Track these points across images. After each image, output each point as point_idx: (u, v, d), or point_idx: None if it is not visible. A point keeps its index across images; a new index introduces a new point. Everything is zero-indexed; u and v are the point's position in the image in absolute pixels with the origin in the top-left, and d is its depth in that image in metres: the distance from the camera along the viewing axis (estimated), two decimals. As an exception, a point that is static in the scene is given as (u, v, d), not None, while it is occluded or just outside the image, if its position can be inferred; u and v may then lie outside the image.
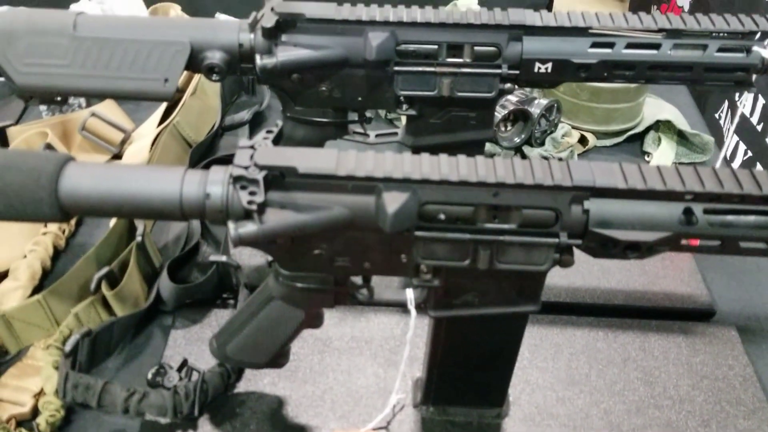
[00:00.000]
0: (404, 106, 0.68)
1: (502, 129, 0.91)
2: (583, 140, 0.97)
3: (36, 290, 0.73)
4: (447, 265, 0.49)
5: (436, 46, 0.64)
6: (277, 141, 0.51)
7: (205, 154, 0.91)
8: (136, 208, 0.49)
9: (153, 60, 0.65)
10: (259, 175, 0.46)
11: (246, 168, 0.47)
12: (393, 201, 0.46)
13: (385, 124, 0.99)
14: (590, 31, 0.63)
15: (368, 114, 0.72)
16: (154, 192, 0.48)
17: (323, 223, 0.47)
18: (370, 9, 0.64)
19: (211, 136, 0.93)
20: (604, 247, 0.48)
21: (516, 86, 0.67)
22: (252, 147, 0.48)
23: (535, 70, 0.65)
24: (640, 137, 0.99)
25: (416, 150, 0.72)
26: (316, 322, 0.58)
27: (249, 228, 0.46)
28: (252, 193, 0.46)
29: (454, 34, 0.64)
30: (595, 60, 0.63)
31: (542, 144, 0.93)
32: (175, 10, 1.13)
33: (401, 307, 0.55)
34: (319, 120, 0.70)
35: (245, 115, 0.97)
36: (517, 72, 0.65)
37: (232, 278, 0.73)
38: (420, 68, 0.65)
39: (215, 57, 0.65)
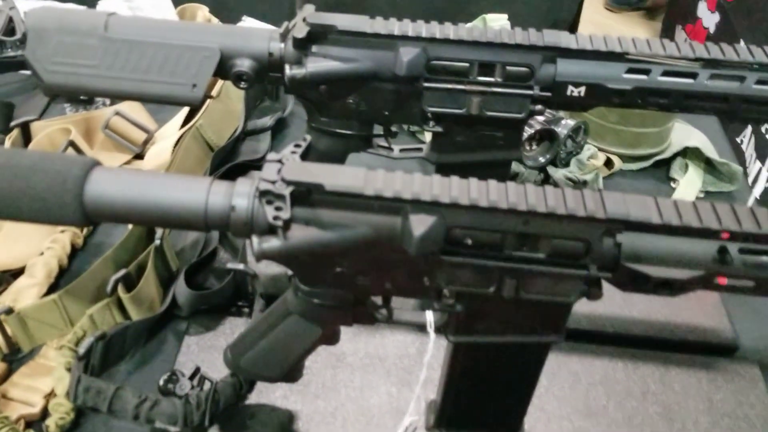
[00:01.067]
0: (431, 123, 0.67)
1: (527, 148, 0.90)
2: (608, 163, 0.95)
3: (52, 288, 0.73)
4: (471, 291, 0.48)
5: (467, 64, 0.63)
6: (305, 156, 0.50)
7: (226, 158, 0.91)
8: (161, 217, 0.48)
9: (182, 64, 0.64)
10: (286, 191, 0.45)
11: (273, 183, 0.46)
12: (420, 224, 0.45)
13: (407, 137, 0.98)
14: (626, 56, 0.62)
15: (394, 128, 0.71)
16: (179, 201, 0.48)
17: (347, 242, 0.47)
18: (402, 23, 0.64)
19: (233, 140, 0.92)
20: (635, 283, 0.47)
21: (546, 108, 0.66)
22: (280, 161, 0.48)
23: (568, 93, 0.63)
24: (666, 163, 0.97)
25: (441, 167, 0.71)
26: (332, 338, 0.57)
27: (273, 243, 0.46)
28: (278, 209, 0.45)
29: (486, 53, 0.63)
30: (630, 86, 0.62)
31: (567, 165, 0.92)
32: (203, 11, 1.13)
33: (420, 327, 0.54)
34: (344, 132, 0.70)
35: (268, 120, 0.97)
36: (549, 94, 0.64)
37: (248, 286, 0.72)
38: (450, 85, 0.64)
39: (244, 65, 0.64)
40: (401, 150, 0.74)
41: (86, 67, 0.64)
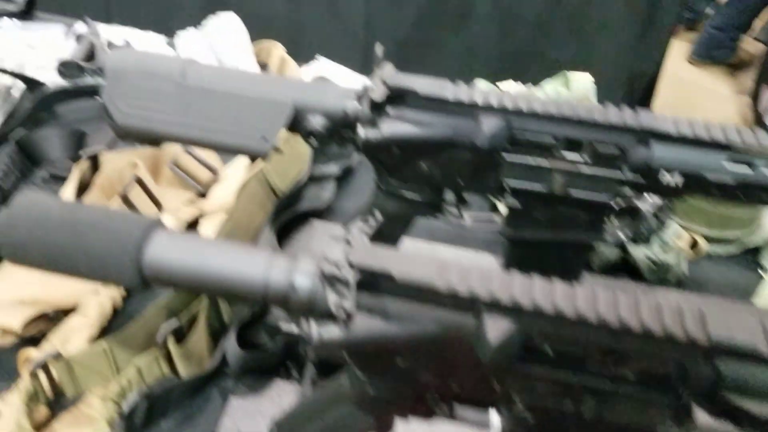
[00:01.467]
0: (508, 196, 0.63)
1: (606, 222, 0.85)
2: (694, 245, 0.89)
3: (103, 330, 0.71)
4: (546, 406, 0.43)
5: (552, 140, 0.59)
6: (375, 236, 0.47)
7: (288, 204, 0.88)
8: (218, 288, 0.46)
9: (254, 117, 0.62)
10: (352, 278, 0.42)
11: (338, 266, 0.43)
12: (496, 330, 0.40)
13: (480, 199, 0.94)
14: (730, 147, 0.57)
15: (466, 196, 0.68)
16: (239, 273, 0.45)
17: (413, 337, 0.43)
18: (485, 93, 0.60)
19: (298, 187, 0.90)
20: (734, 418, 0.41)
21: (637, 193, 0.61)
22: (347, 241, 0.44)
23: (662, 180, 0.58)
24: (758, 249, 0.90)
25: (515, 243, 0.66)
26: (385, 429, 0.53)
27: (333, 333, 0.43)
28: (341, 296, 0.42)
29: (574, 130, 0.59)
30: (733, 180, 0.57)
31: (648, 242, 0.86)
32: (278, 48, 1.13)
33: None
34: (414, 196, 0.66)
35: (334, 168, 0.94)
36: (641, 179, 0.59)
37: (300, 349, 0.69)
38: (532, 161, 0.60)
39: (317, 122, 0.62)
40: (474, 220, 0.70)
41: (160, 113, 0.63)
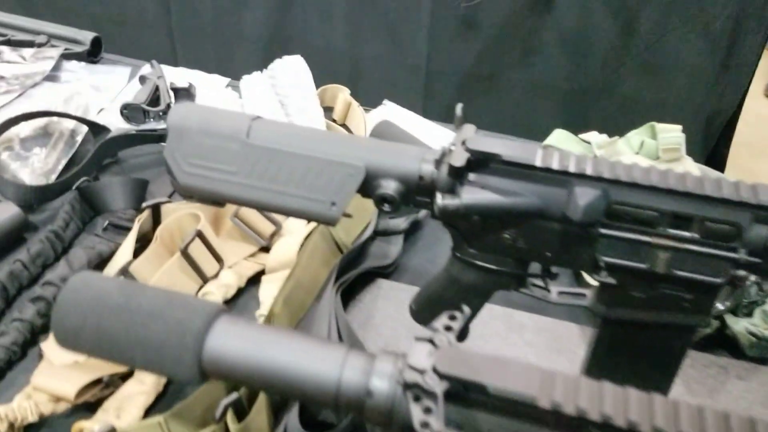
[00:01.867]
0: (603, 273, 0.56)
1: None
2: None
3: (159, 396, 0.68)
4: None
5: (656, 213, 0.52)
6: (462, 335, 0.41)
7: (353, 261, 0.84)
8: (285, 388, 0.41)
9: (323, 180, 0.58)
10: (439, 389, 0.36)
11: (422, 373, 0.37)
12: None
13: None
14: None
15: (554, 269, 0.61)
16: (309, 373, 0.40)
17: None
18: (579, 159, 0.54)
19: (363, 241, 0.85)
20: None
21: (754, 275, 0.53)
22: (432, 342, 0.39)
23: (784, 263, 0.51)
24: None
25: (607, 321, 0.60)
26: None
27: None
28: (427, 411, 0.36)
29: (682, 204, 0.52)
30: None
31: (750, 315, 0.77)
32: (344, 93, 1.10)
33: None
34: (495, 267, 0.60)
35: (401, 222, 0.89)
36: (759, 260, 0.52)
37: (368, 429, 0.63)
38: (632, 236, 0.53)
39: (390, 186, 0.57)
40: (560, 293, 0.63)
41: (224, 173, 0.59)
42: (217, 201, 0.62)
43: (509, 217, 0.56)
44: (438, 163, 0.56)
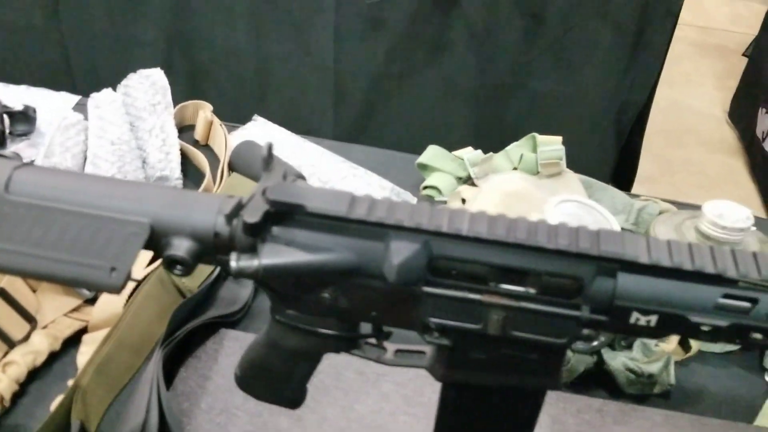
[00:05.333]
0: (435, 334, 0.48)
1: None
2: (684, 343, 0.74)
3: None
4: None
5: (485, 268, 0.44)
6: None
7: (196, 308, 0.73)
8: None
9: (100, 241, 0.48)
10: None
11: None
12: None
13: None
14: (723, 279, 0.42)
15: (386, 329, 0.53)
16: None
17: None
18: (398, 207, 0.45)
19: (208, 285, 0.75)
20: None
21: (602, 332, 0.46)
22: None
23: (632, 321, 0.44)
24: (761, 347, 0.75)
25: (447, 385, 0.52)
26: None
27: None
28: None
29: (513, 256, 0.44)
30: (726, 323, 0.42)
31: (629, 347, 0.71)
32: (205, 110, 0.99)
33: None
34: (318, 330, 0.52)
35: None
36: (605, 318, 0.44)
37: None
38: (461, 293, 0.45)
39: (181, 247, 0.47)
40: (397, 352, 0.55)
41: (-24, 237, 0.49)
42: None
43: (321, 276, 0.47)
44: (230, 218, 0.46)
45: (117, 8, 1.64)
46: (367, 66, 1.69)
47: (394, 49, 1.66)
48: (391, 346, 0.55)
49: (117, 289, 0.48)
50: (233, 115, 1.07)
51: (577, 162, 1.67)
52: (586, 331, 0.45)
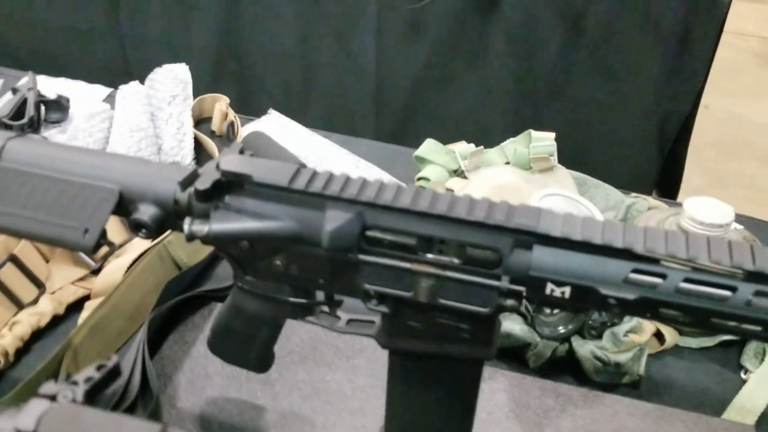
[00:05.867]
0: (374, 301, 0.51)
1: (547, 311, 0.71)
2: (660, 336, 0.75)
3: None
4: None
5: (413, 238, 0.48)
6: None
7: (191, 283, 0.79)
8: None
9: (75, 205, 0.53)
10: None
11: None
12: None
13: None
14: (631, 253, 0.44)
15: (337, 297, 0.57)
16: None
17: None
18: (335, 179, 0.49)
19: (203, 262, 0.80)
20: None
21: (523, 303, 0.48)
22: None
23: (547, 291, 0.46)
24: (738, 345, 0.75)
25: (393, 352, 0.55)
26: None
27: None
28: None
29: (436, 227, 0.47)
30: (634, 295, 0.44)
31: (599, 337, 0.72)
32: (221, 103, 1.05)
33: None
34: (274, 296, 0.56)
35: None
36: (523, 289, 0.47)
37: None
38: (392, 261, 0.48)
39: (146, 212, 0.52)
40: (349, 321, 0.58)
41: (-22, 200, 0.55)
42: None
43: (268, 242, 0.51)
44: (183, 185, 0.51)
45: (172, 15, 1.72)
46: (407, 70, 1.71)
47: (434, 54, 1.68)
48: (345, 316, 0.59)
49: (89, 249, 0.54)
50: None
51: (617, 170, 1.66)
52: (509, 302, 0.48)
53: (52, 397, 0.34)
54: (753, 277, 0.42)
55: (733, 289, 0.42)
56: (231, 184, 0.50)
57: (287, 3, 1.65)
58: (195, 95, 1.05)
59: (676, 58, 1.62)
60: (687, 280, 0.43)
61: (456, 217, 0.46)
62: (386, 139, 1.75)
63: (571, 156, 1.70)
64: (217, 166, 0.50)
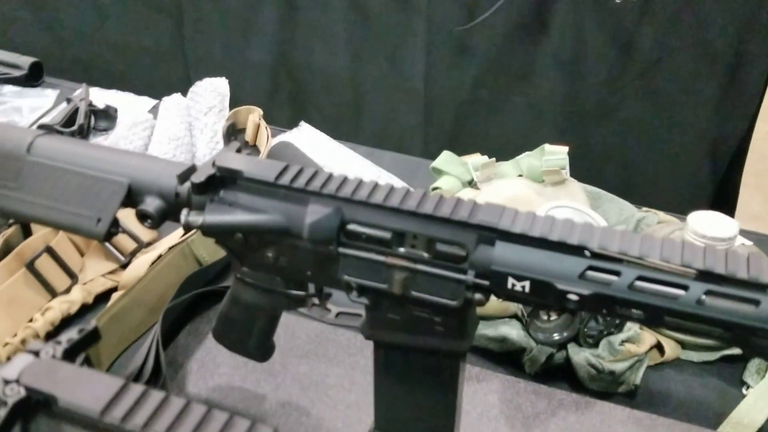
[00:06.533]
0: (354, 293, 0.54)
1: (543, 318, 0.73)
2: (661, 348, 0.75)
3: None
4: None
5: (387, 233, 0.51)
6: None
7: (211, 280, 0.84)
8: None
9: (91, 196, 0.59)
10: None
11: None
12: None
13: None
14: (585, 250, 0.46)
15: (327, 290, 0.60)
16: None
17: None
18: (317, 176, 0.53)
19: (225, 259, 0.85)
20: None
21: (490, 297, 0.51)
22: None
23: (509, 286, 0.48)
24: (741, 360, 0.74)
25: (377, 344, 0.58)
26: None
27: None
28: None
29: (407, 223, 0.50)
30: (588, 291, 0.46)
31: (595, 345, 0.73)
32: (254, 115, 1.11)
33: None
34: (267, 287, 0.60)
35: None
36: (487, 283, 0.49)
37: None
38: (368, 254, 0.52)
39: (152, 204, 0.57)
40: (339, 314, 0.62)
41: (6, 188, 0.61)
42: (8, 217, 0.63)
43: (258, 235, 0.55)
44: (181, 179, 0.56)
45: (232, 34, 1.80)
46: (456, 90, 1.73)
47: (482, 74, 1.70)
48: (335, 309, 0.62)
49: (101, 236, 0.59)
50: (330, 133, 1.17)
51: (669, 193, 1.63)
52: (477, 296, 0.50)
53: (36, 353, 0.38)
54: (704, 276, 0.43)
55: (684, 287, 0.44)
56: (225, 179, 0.55)
57: (339, 24, 1.71)
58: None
59: (730, 80, 1.58)
60: (640, 278, 0.45)
61: (424, 212, 0.49)
62: (434, 158, 1.78)
63: (619, 177, 1.68)
64: (213, 163, 0.55)
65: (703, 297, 0.43)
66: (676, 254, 0.44)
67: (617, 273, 0.45)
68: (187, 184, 0.56)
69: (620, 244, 0.45)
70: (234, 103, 1.14)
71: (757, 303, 0.42)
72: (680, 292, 0.44)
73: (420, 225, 0.50)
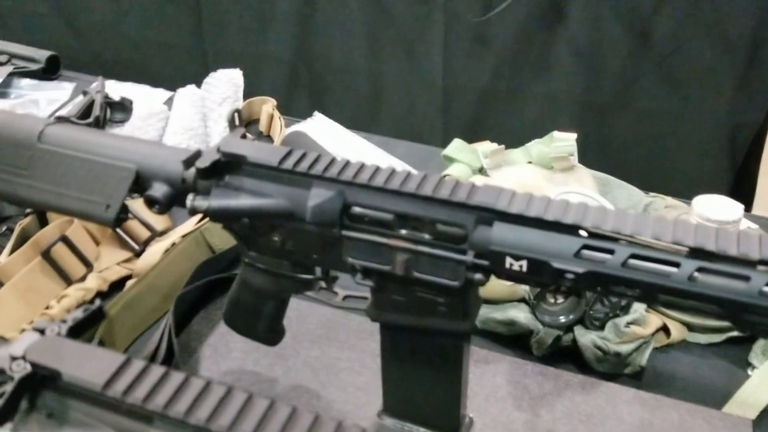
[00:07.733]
0: (359, 275, 0.55)
1: (550, 301, 0.73)
2: (667, 330, 0.75)
3: None
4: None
5: (390, 215, 0.52)
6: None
7: (225, 267, 0.85)
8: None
9: (100, 182, 0.60)
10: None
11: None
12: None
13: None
14: (580, 229, 0.47)
15: (333, 273, 0.61)
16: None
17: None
18: (321, 160, 0.54)
19: (234, 247, 0.86)
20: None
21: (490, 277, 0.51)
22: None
23: (507, 265, 0.49)
24: (747, 341, 0.74)
25: (384, 326, 0.59)
26: None
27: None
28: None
29: (409, 205, 0.51)
30: (583, 269, 0.46)
31: (601, 327, 0.73)
32: (267, 105, 1.12)
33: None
34: (274, 270, 0.61)
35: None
36: (487, 263, 0.50)
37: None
38: (371, 237, 0.53)
39: (159, 190, 0.58)
40: (345, 297, 0.63)
41: (17, 175, 0.63)
42: (20, 204, 0.65)
43: (264, 219, 0.56)
44: (186, 164, 0.57)
45: (251, 28, 1.82)
46: (474, 82, 1.73)
47: (500, 65, 1.70)
48: (342, 292, 0.63)
49: (111, 222, 0.60)
50: (349, 126, 1.18)
51: (687, 182, 1.62)
52: (477, 276, 0.51)
53: (42, 331, 0.40)
54: (695, 253, 0.44)
55: (676, 264, 0.44)
56: (230, 165, 0.56)
57: (357, 17, 1.71)
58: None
59: (747, 69, 1.56)
60: (633, 256, 0.45)
61: (423, 195, 0.50)
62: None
63: (637, 167, 1.66)
64: (218, 148, 0.56)
65: (695, 274, 0.44)
66: (668, 232, 0.44)
67: (611, 251, 0.46)
68: (193, 170, 0.57)
69: (613, 222, 0.45)
70: (253, 96, 1.16)
71: (747, 279, 0.43)
72: (672, 269, 0.44)
73: (420, 207, 0.50)
